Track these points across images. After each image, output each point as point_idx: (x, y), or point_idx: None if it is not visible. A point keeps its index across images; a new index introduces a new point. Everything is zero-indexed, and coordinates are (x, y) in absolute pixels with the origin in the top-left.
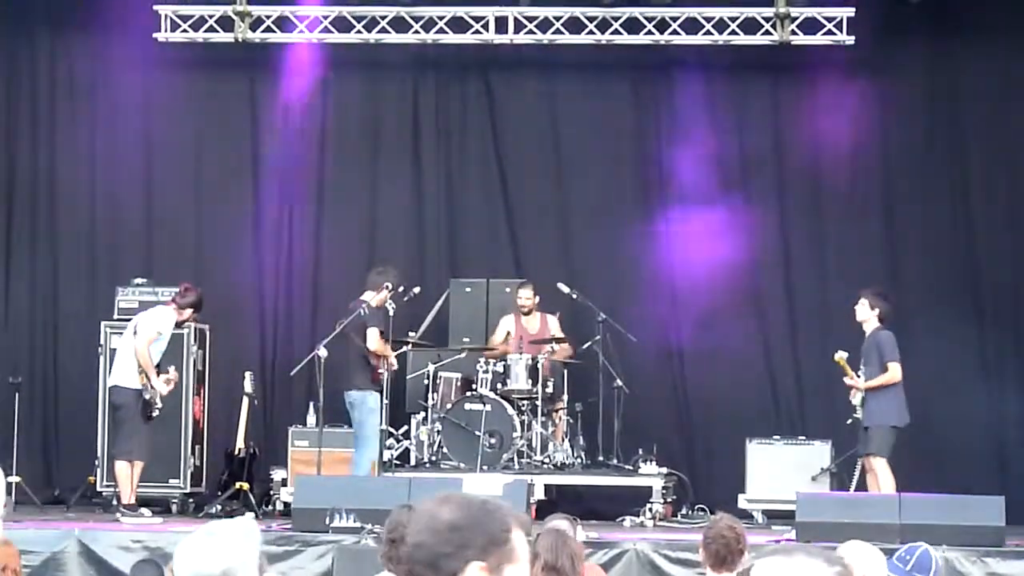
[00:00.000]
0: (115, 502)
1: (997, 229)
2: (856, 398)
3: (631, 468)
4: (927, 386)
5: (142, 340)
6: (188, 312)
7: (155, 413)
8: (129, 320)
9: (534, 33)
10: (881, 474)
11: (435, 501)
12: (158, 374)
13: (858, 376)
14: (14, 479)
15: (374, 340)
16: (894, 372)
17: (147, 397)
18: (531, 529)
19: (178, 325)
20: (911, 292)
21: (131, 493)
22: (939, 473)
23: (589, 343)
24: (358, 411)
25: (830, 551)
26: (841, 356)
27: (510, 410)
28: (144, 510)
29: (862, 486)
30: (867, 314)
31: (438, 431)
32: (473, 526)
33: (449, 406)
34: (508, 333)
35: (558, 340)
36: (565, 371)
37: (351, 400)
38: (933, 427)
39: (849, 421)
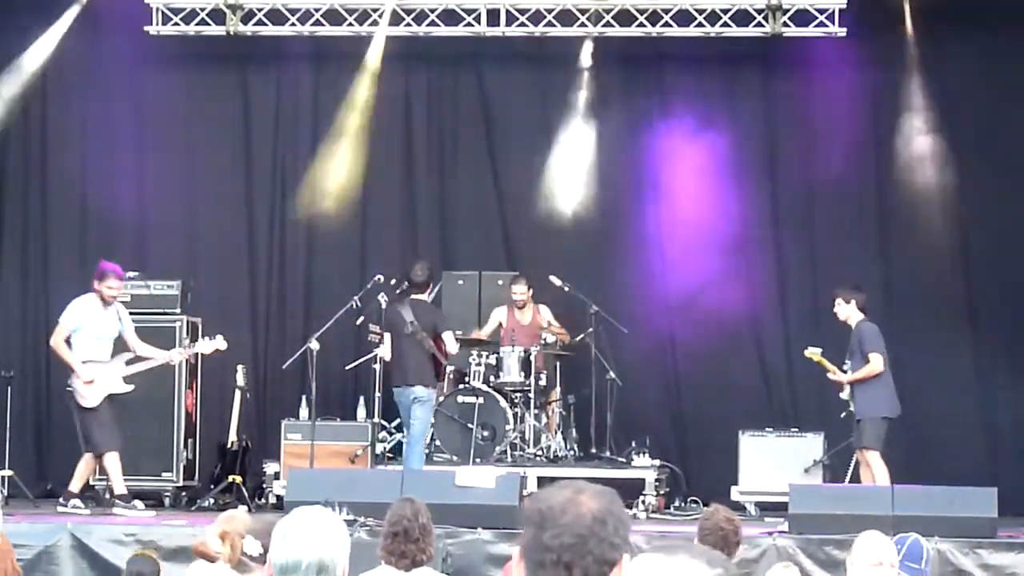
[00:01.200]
0: (107, 495)
1: (989, 225)
2: (845, 392)
3: (624, 460)
4: (921, 382)
5: (54, 336)
6: (103, 284)
7: (87, 404)
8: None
9: (525, 26)
10: (875, 466)
11: (567, 493)
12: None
13: (843, 370)
14: (6, 473)
15: (455, 345)
16: (875, 363)
17: (68, 389)
18: None
19: (108, 301)
20: (905, 289)
21: (120, 484)
22: (933, 466)
23: (582, 335)
24: (423, 407)
25: (715, 553)
26: (814, 352)
27: (503, 403)
28: (137, 502)
29: (855, 478)
30: (847, 310)
31: (431, 424)
32: (623, 516)
33: (442, 399)
34: (500, 324)
35: (552, 329)
36: (558, 363)
37: (418, 396)
38: (927, 421)
39: (843, 415)
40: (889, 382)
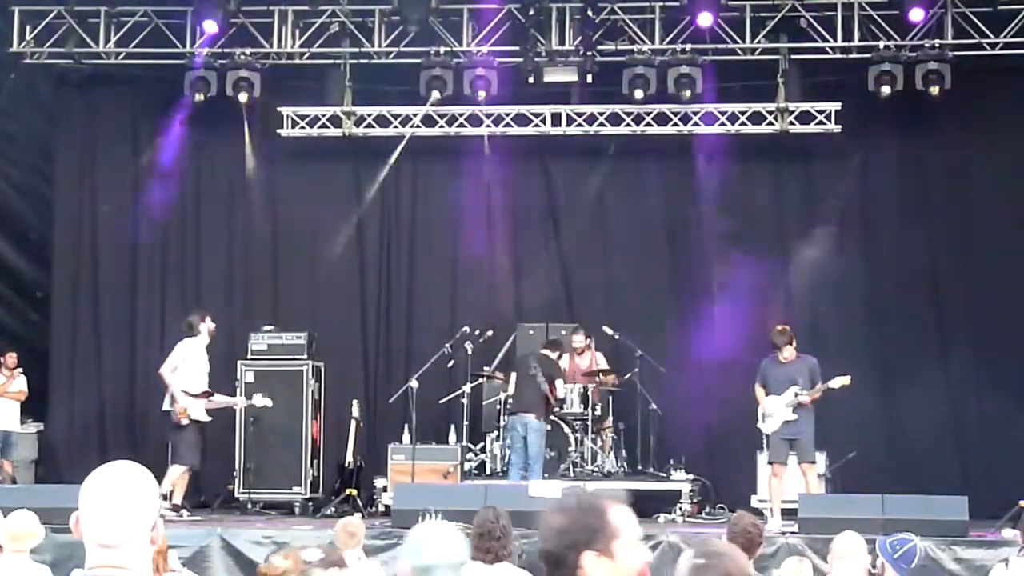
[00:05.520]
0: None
1: (957, 269)
2: (788, 414)
3: (664, 475)
4: (900, 403)
5: (165, 366)
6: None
7: (184, 422)
8: (259, 360)
9: (582, 126)
10: (815, 477)
11: (549, 511)
12: (206, 395)
13: (798, 395)
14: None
15: (562, 390)
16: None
17: (166, 408)
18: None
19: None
20: (888, 322)
21: (180, 494)
22: (912, 475)
23: (629, 374)
24: (536, 434)
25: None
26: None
27: (566, 429)
28: (184, 512)
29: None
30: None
31: (508, 446)
32: (576, 526)
33: (508, 420)
34: (563, 368)
35: (605, 372)
36: (610, 397)
37: (531, 424)
38: (907, 437)
39: (851, 455)
40: None
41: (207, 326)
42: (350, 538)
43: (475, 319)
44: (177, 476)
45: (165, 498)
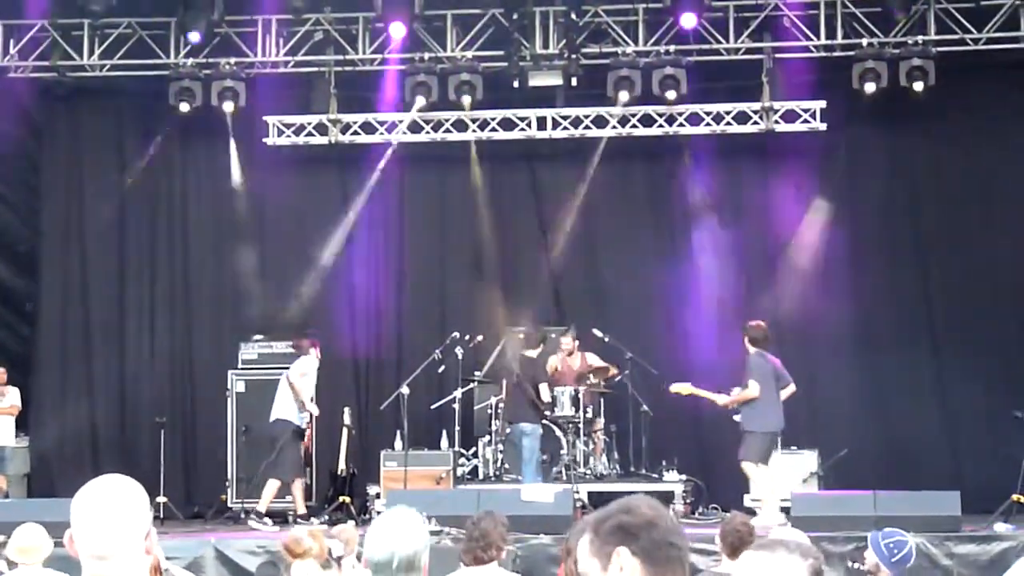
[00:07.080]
0: (243, 515)
1: (947, 271)
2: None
3: (656, 476)
4: (894, 401)
5: (293, 375)
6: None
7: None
8: (250, 369)
9: (568, 129)
10: (752, 476)
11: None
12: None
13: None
14: (161, 499)
15: (547, 394)
16: (751, 389)
17: (284, 418)
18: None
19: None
20: (878, 319)
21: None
22: (906, 471)
23: (619, 376)
24: (530, 438)
25: (807, 544)
26: (682, 387)
27: (558, 432)
28: (267, 519)
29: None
30: (745, 343)
31: (500, 450)
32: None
33: (508, 430)
34: (556, 368)
35: (599, 369)
36: (601, 399)
37: (524, 430)
38: (900, 434)
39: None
40: (771, 401)
41: (316, 352)
42: (344, 546)
43: (464, 324)
44: (274, 491)
45: (263, 515)
